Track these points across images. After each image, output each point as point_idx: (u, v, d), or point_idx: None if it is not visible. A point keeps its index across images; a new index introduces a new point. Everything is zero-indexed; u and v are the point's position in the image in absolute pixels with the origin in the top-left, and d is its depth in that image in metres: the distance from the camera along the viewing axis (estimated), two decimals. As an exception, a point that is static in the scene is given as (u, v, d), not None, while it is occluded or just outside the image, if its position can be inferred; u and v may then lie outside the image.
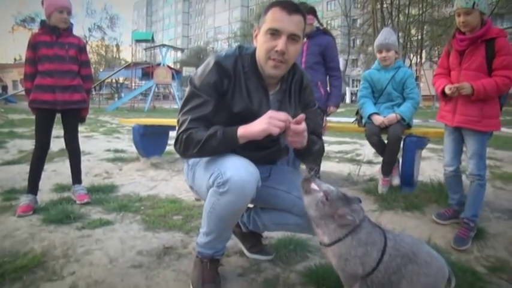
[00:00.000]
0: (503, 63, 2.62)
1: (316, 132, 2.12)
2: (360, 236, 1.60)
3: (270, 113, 1.71)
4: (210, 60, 1.92)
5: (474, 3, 2.58)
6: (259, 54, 1.87)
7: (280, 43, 1.78)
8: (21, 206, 3.15)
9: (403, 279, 1.56)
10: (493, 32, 2.65)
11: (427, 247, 1.67)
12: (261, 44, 1.84)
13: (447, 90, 2.74)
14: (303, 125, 1.74)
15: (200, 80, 1.87)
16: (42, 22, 3.40)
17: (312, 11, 3.92)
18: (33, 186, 3.35)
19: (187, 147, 1.82)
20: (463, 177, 3.07)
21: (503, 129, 11.70)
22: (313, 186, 1.70)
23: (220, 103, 1.88)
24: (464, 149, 2.96)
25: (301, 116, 1.74)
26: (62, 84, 3.32)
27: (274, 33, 1.78)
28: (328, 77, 4.09)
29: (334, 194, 1.65)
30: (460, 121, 2.78)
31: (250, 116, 1.80)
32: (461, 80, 2.73)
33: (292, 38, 1.80)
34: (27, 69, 3.34)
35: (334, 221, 1.63)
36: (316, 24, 4.04)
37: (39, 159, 3.40)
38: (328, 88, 4.10)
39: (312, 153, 2.03)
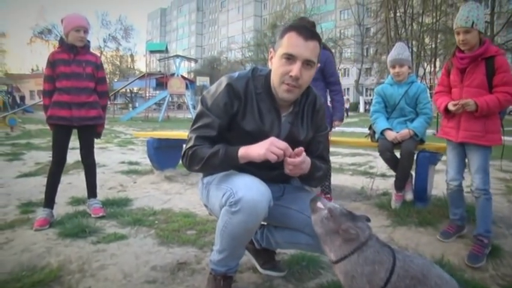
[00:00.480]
0: (503, 80, 2.71)
1: (323, 156, 2.14)
2: (367, 254, 1.61)
3: (272, 139, 1.74)
4: (222, 81, 1.96)
5: (473, 22, 2.68)
6: (274, 78, 1.90)
7: (295, 68, 1.80)
8: (38, 220, 3.20)
9: None
10: (492, 50, 2.75)
11: (438, 269, 1.66)
12: (275, 67, 1.87)
13: (451, 107, 2.79)
14: (300, 158, 1.77)
15: (211, 100, 1.92)
16: (61, 40, 3.49)
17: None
18: (49, 200, 3.41)
19: (192, 163, 1.91)
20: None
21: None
22: (319, 205, 1.77)
23: (231, 123, 1.93)
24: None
25: (300, 149, 1.78)
26: (79, 101, 3.39)
27: (290, 58, 1.81)
28: (328, 92, 4.09)
29: (338, 211, 1.71)
30: (465, 137, 2.83)
31: (262, 136, 1.83)
32: (463, 96, 2.79)
33: (307, 63, 1.83)
34: (46, 86, 3.42)
35: (339, 237, 1.66)
36: None
37: (55, 174, 3.46)
38: (329, 103, 4.10)
39: (315, 179, 2.05)
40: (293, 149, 1.98)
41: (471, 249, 2.74)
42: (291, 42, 1.81)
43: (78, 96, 3.39)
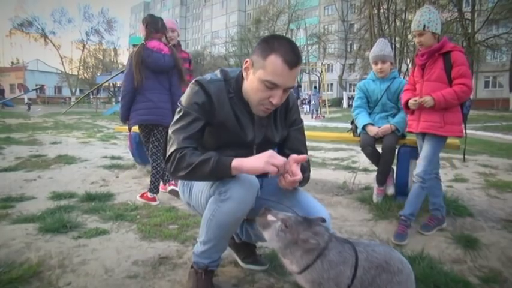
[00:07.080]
0: (459, 72, 2.90)
1: (301, 150, 2.11)
2: (330, 257, 1.57)
3: (270, 152, 1.71)
4: (194, 83, 1.92)
5: (424, 25, 2.90)
6: (250, 96, 1.86)
7: (277, 97, 1.79)
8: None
9: None
10: (448, 46, 2.95)
11: (397, 253, 1.68)
12: (254, 89, 1.82)
13: (411, 104, 3.00)
14: (299, 177, 1.74)
15: (188, 100, 1.89)
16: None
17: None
18: None
19: (178, 167, 1.79)
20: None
21: (498, 134, 11.76)
22: (270, 217, 1.68)
23: (209, 122, 1.91)
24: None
25: (304, 156, 1.79)
26: None
27: (272, 86, 1.77)
28: None
29: (292, 220, 1.64)
30: (424, 127, 3.02)
31: (237, 138, 1.90)
32: (424, 90, 3.00)
33: (288, 89, 1.82)
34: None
35: (299, 247, 1.60)
36: None
37: None
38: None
39: (304, 180, 1.98)
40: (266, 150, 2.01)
41: (397, 228, 3.00)
42: (276, 71, 1.73)
43: None
